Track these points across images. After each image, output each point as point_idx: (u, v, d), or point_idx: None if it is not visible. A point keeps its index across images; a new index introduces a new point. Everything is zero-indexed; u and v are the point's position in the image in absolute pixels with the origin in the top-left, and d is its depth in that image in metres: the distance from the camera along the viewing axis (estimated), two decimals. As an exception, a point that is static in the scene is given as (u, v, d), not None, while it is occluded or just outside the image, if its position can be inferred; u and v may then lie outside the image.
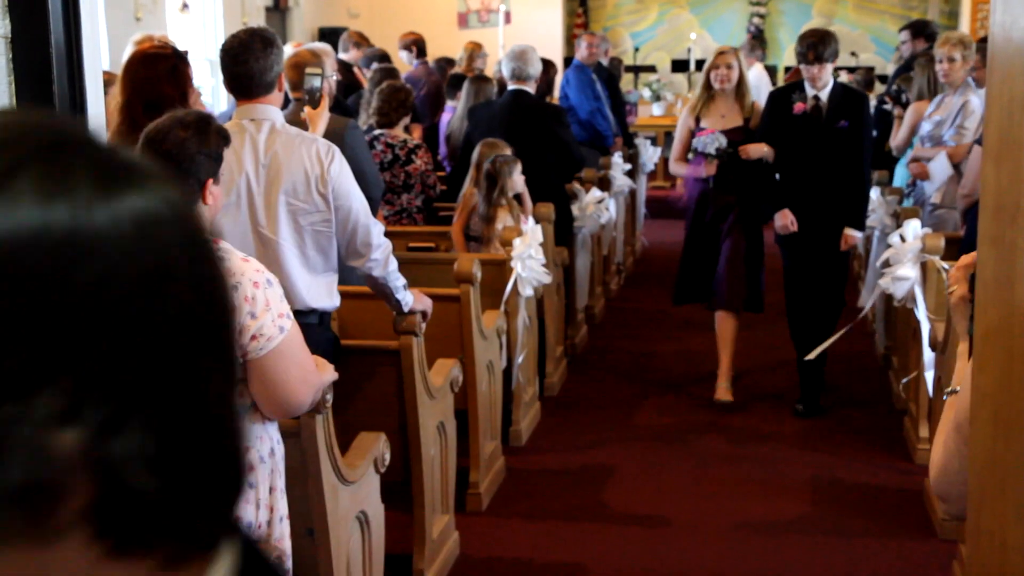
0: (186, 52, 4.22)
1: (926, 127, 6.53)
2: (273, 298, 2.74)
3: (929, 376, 5.12)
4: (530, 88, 6.57)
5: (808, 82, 5.85)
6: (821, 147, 5.77)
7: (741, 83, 6.09)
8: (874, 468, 5.30)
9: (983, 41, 6.63)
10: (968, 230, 5.37)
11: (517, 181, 5.75)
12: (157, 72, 3.93)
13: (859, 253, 8.45)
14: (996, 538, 1.65)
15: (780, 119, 5.88)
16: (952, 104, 6.32)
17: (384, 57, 8.34)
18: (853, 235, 5.82)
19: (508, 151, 5.87)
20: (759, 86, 6.39)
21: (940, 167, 6.25)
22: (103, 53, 7.66)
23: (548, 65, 8.09)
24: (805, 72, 5.84)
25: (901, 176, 7.12)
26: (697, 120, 6.15)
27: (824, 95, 5.81)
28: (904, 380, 5.69)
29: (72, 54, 1.55)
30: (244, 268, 2.72)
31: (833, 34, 5.90)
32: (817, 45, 5.70)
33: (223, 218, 3.60)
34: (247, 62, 3.75)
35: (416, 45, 9.42)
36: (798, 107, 5.82)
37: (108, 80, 4.79)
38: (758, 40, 10.30)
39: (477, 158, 5.88)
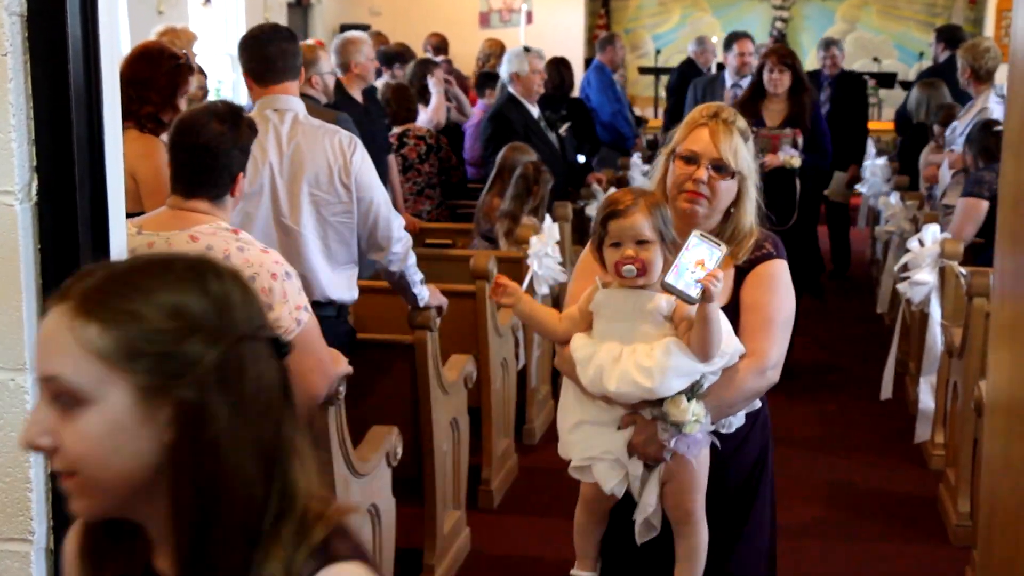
0: (186, 54, 4.33)
1: (948, 132, 6.53)
2: (291, 290, 2.74)
3: (927, 380, 5.12)
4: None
5: None
6: None
7: None
8: (889, 473, 5.27)
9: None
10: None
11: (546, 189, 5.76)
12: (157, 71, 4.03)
13: (876, 258, 8.40)
14: (1009, 536, 1.64)
15: None
16: (972, 110, 6.30)
17: (402, 54, 8.32)
18: None
19: (533, 155, 5.88)
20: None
21: (944, 171, 6.25)
22: (124, 46, 7.68)
23: (565, 64, 8.08)
24: None
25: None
26: None
27: None
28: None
29: (88, 36, 1.55)
30: (263, 259, 2.72)
31: None
32: None
33: (246, 207, 3.62)
34: (275, 43, 3.81)
35: (435, 47, 9.45)
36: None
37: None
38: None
39: (503, 161, 5.87)
